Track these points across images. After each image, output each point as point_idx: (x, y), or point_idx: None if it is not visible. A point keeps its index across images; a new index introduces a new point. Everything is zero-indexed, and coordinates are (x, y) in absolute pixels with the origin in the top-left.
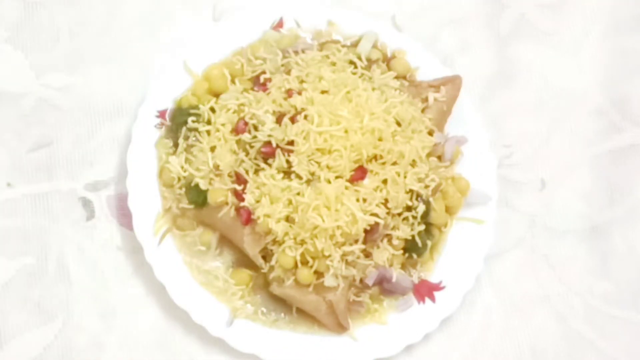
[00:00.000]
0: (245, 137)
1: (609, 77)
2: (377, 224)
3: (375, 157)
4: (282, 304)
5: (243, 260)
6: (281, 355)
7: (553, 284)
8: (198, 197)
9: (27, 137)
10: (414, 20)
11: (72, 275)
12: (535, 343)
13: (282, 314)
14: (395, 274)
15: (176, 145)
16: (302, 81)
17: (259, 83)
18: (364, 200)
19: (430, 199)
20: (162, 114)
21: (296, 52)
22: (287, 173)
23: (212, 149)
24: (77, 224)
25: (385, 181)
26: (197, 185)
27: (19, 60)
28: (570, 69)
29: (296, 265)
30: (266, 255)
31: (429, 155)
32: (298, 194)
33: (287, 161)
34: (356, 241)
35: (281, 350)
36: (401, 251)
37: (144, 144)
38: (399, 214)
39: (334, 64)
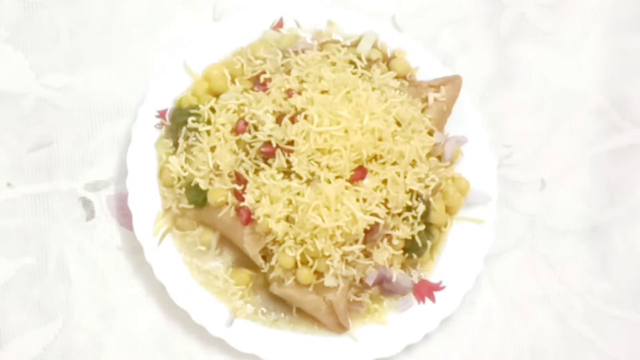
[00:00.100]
0: (245, 137)
1: (609, 77)
2: (377, 224)
3: (375, 157)
4: (282, 304)
5: (243, 260)
6: (281, 355)
7: (553, 284)
8: (198, 197)
9: (27, 137)
10: (414, 20)
11: (72, 275)
12: (535, 343)
13: (282, 314)
14: (395, 274)
15: (176, 145)
16: (302, 81)
17: (259, 83)
18: (364, 200)
19: (430, 199)
20: (162, 114)
21: (296, 52)
22: (287, 173)
23: (212, 149)
24: (77, 224)
25: (385, 181)
26: (197, 185)
27: (19, 60)
28: (570, 69)
29: (296, 265)
30: (266, 255)
31: (429, 155)
32: (298, 194)
33: (287, 161)
34: (356, 241)
35: (281, 350)
36: (401, 251)
37: (144, 144)
38: (399, 214)
39: (334, 64)
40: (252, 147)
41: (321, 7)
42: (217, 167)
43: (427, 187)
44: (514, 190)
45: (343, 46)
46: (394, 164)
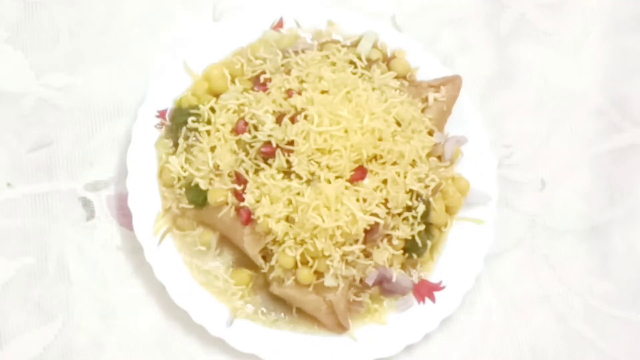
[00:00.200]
0: (245, 137)
1: (609, 77)
2: (377, 224)
3: (375, 157)
4: (282, 304)
5: (243, 260)
6: (281, 355)
7: (553, 284)
8: (198, 197)
9: (27, 137)
10: (414, 20)
11: (72, 275)
12: (535, 343)
13: (282, 314)
14: (395, 274)
15: (176, 145)
16: (302, 81)
17: (259, 83)
18: (364, 200)
19: (430, 199)
20: (162, 114)
21: (296, 52)
22: (287, 173)
23: (212, 149)
24: (77, 224)
25: (385, 181)
26: (197, 185)
27: (19, 60)
28: (570, 69)
29: (296, 265)
30: (266, 255)
31: (429, 155)
32: (298, 194)
33: (287, 161)
34: (356, 241)
35: (281, 350)
36: (401, 251)
37: (144, 144)
38: (399, 214)
39: (334, 64)
40: (252, 147)
41: (321, 7)
42: (217, 167)
43: (427, 187)
44: (514, 190)
45: (343, 46)
46: (394, 164)
